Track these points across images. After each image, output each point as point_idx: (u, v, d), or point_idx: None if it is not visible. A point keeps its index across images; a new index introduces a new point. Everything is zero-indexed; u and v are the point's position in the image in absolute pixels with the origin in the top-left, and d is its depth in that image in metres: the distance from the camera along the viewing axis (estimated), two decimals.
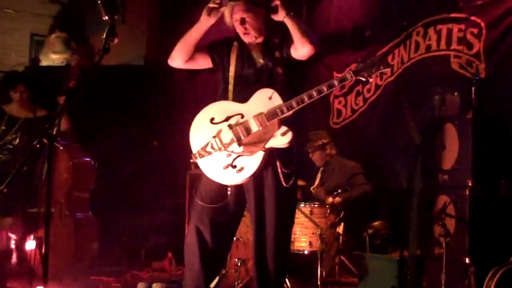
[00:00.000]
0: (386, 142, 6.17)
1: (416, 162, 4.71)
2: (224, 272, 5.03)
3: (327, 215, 5.25)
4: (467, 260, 4.02)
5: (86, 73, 4.50)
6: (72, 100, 3.91)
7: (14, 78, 5.71)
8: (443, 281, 4.01)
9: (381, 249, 5.22)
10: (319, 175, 5.99)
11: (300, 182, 5.69)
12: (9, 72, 5.91)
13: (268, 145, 3.36)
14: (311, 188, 5.88)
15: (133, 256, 6.24)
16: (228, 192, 3.44)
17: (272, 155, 3.41)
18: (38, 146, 3.41)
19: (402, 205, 4.88)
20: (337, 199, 5.49)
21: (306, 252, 5.21)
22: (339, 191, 5.44)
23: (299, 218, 5.25)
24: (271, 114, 3.37)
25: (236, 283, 4.97)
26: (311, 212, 5.23)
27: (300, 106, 3.36)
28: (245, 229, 5.27)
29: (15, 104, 5.45)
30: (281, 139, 3.35)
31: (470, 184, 4.16)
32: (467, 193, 4.15)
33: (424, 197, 4.60)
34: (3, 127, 5.41)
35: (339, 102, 6.83)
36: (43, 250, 3.30)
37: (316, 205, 5.29)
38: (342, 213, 5.42)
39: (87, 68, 4.90)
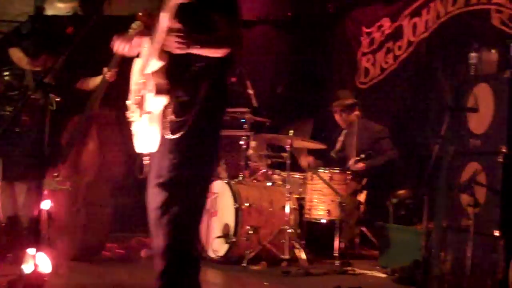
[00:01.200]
0: (417, 104, 6.10)
1: (447, 125, 4.61)
2: (234, 240, 5.03)
3: (348, 181, 5.23)
4: (496, 233, 3.95)
5: (89, 20, 4.39)
6: (70, 49, 3.86)
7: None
8: (469, 255, 3.95)
9: (406, 220, 5.18)
10: (341, 138, 5.94)
11: (320, 146, 5.66)
12: (17, 27, 5.68)
13: (146, 107, 3.08)
14: (332, 152, 5.83)
15: (138, 222, 6.27)
16: (144, 162, 3.19)
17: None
18: (31, 96, 3.39)
19: (430, 172, 4.80)
20: (360, 164, 5.44)
21: (324, 221, 5.21)
22: (362, 156, 5.38)
23: (317, 184, 5.24)
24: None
25: (247, 252, 4.97)
26: (331, 178, 5.20)
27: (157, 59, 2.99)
28: (258, 195, 5.26)
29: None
30: (152, 99, 3.03)
31: (504, 150, 4.05)
32: (501, 160, 4.05)
33: (454, 164, 4.51)
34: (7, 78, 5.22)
35: (367, 60, 6.75)
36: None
37: (336, 171, 5.25)
38: (365, 180, 5.38)
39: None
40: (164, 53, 2.99)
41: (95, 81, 5.02)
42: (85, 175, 5.12)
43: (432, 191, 4.67)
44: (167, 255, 3.04)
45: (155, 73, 3.02)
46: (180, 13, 2.93)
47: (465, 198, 4.19)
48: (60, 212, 5.09)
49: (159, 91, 3.01)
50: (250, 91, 5.83)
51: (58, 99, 4.38)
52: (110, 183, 5.25)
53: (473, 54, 4.69)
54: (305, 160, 5.91)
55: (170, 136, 3.02)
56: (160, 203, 3.05)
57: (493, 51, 4.61)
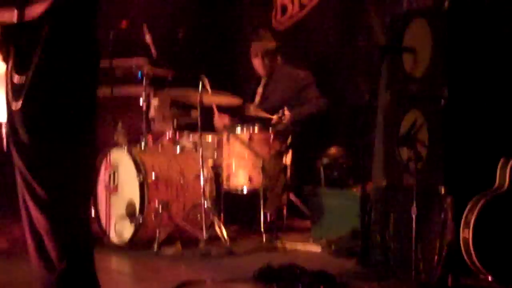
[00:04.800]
0: (345, 45, 6.25)
1: (380, 69, 4.77)
2: (140, 219, 5.08)
3: (271, 141, 5.36)
4: (442, 190, 4.15)
5: None
6: None
7: None
8: (414, 216, 4.09)
9: (340, 182, 5.36)
10: (260, 90, 6.04)
11: (235, 100, 5.74)
12: None
13: None
14: (250, 106, 5.91)
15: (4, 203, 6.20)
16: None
17: None
18: None
19: (364, 124, 4.96)
20: (284, 117, 5.56)
21: (245, 190, 5.35)
22: (285, 108, 5.51)
23: (235, 147, 5.36)
24: None
25: (158, 231, 5.04)
26: (250, 139, 5.34)
27: None
28: (166, 164, 5.34)
29: None
30: None
31: (445, 94, 4.22)
32: (442, 106, 4.22)
33: (391, 113, 4.67)
34: None
35: None
36: None
37: (256, 130, 5.38)
38: (290, 139, 5.50)
39: None
40: None
41: None
42: None
43: (367, 147, 4.86)
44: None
45: None
46: None
47: (406, 152, 4.38)
48: None
49: None
50: (148, 37, 5.73)
51: None
52: None
53: None
54: (220, 121, 5.99)
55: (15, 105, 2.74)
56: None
57: None
